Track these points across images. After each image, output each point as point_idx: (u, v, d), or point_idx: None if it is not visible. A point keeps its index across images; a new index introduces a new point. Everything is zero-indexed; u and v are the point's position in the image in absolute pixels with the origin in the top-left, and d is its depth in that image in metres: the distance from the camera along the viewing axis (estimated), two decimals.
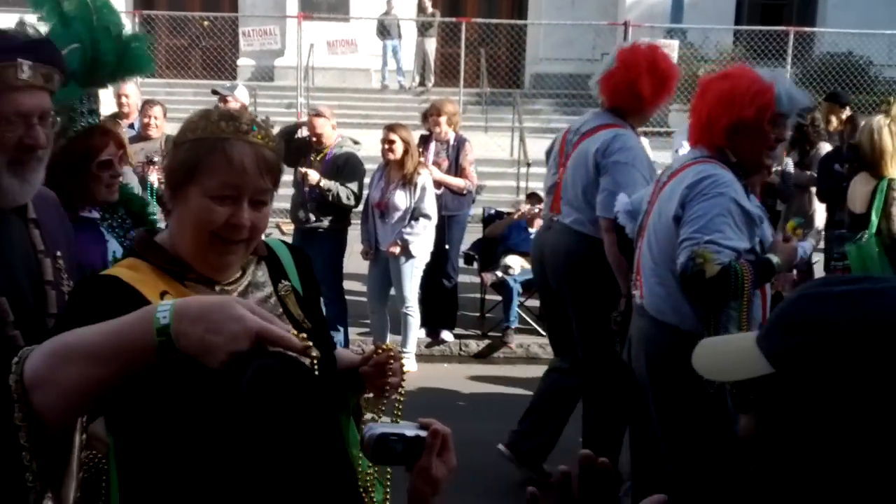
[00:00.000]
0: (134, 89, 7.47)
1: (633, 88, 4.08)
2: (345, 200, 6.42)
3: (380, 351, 1.98)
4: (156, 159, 6.34)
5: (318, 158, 6.58)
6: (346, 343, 6.81)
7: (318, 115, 6.69)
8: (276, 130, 7.41)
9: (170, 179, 1.70)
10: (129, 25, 15.80)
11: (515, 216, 7.53)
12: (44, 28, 2.68)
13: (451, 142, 7.09)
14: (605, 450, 4.32)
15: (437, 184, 6.80)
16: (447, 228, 6.88)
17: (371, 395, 2.03)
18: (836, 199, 6.71)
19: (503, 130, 14.78)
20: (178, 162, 1.66)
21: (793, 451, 1.12)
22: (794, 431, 1.12)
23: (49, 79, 1.87)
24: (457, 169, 7.03)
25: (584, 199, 4.17)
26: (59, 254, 2.01)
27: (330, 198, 6.38)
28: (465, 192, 7.11)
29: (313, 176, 6.40)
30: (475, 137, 8.13)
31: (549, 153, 4.72)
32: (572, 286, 4.32)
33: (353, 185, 6.48)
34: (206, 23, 19.30)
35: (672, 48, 14.03)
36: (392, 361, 1.96)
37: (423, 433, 1.48)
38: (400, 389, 1.96)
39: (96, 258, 2.80)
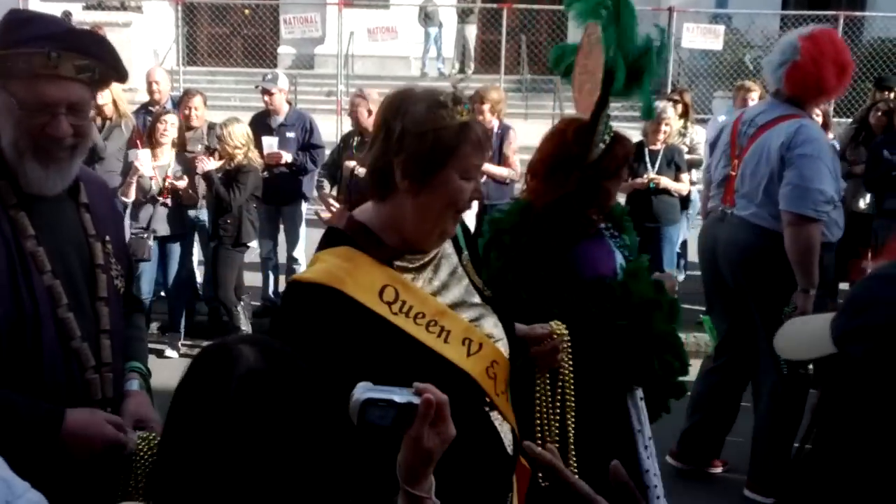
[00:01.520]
0: (164, 76, 7.53)
1: (819, 80, 3.98)
2: None
3: (555, 335, 2.18)
4: (210, 146, 6.43)
5: (355, 144, 6.57)
6: None
7: (360, 95, 6.68)
8: (317, 117, 7.45)
9: (414, 168, 1.73)
10: (171, 13, 16.03)
11: None
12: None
13: (495, 129, 7.02)
14: (776, 443, 4.28)
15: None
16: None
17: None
18: (884, 188, 6.56)
19: (543, 118, 14.62)
20: (427, 150, 1.71)
21: (848, 430, 1.09)
22: (850, 412, 1.09)
23: (84, 70, 1.82)
24: (500, 157, 6.96)
25: (765, 194, 4.09)
26: (108, 238, 2.02)
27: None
28: (508, 181, 7.05)
29: (350, 164, 6.41)
30: (515, 124, 8.04)
31: (714, 143, 4.65)
32: (752, 281, 4.22)
33: None
34: (247, 11, 19.42)
35: (717, 34, 13.79)
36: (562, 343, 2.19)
37: (415, 399, 1.34)
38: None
39: (609, 270, 2.84)
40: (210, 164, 6.17)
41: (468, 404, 1.76)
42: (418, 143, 1.71)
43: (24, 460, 1.64)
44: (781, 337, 1.24)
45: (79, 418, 1.81)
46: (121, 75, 1.95)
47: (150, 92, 7.41)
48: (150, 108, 7.30)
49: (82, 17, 16.40)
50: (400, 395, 1.35)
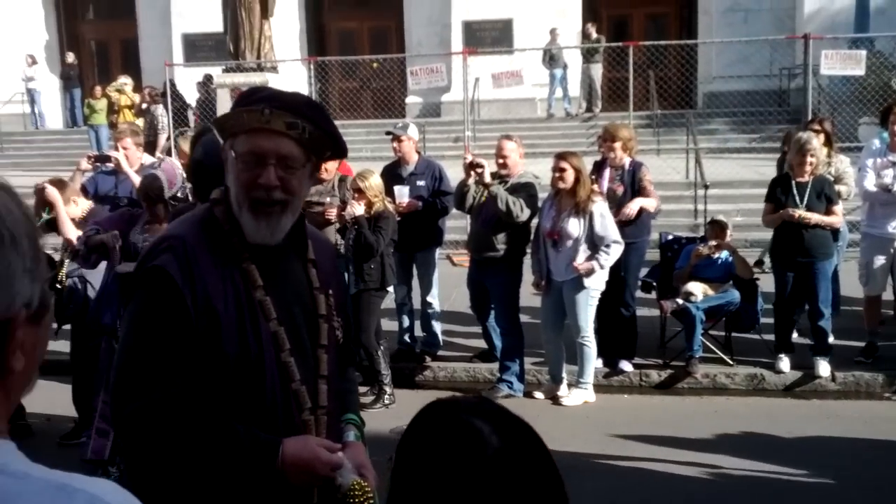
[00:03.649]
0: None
1: None
2: (513, 207, 6.28)
3: None
4: (342, 198, 6.50)
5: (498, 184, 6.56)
6: (522, 375, 6.68)
7: (508, 138, 6.70)
8: (445, 164, 7.50)
9: None
10: (304, 72, 16.67)
11: (694, 258, 7.04)
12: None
13: (627, 167, 6.86)
14: None
15: (617, 210, 6.59)
16: (625, 255, 6.61)
17: None
18: None
19: (677, 153, 14.29)
20: None
21: None
22: None
23: (293, 127, 1.97)
24: (633, 194, 6.78)
25: None
26: (330, 292, 2.18)
27: (499, 203, 6.27)
28: (655, 210, 6.86)
29: (482, 161, 6.47)
30: (647, 161, 7.85)
31: None
32: None
33: (525, 202, 6.37)
34: (375, 65, 19.97)
35: (859, 59, 13.13)
36: None
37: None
38: None
39: None
40: (359, 208, 6.27)
41: None
42: None
43: (245, 489, 1.92)
44: None
45: (294, 445, 1.93)
46: (336, 145, 2.10)
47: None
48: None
49: (222, 80, 17.28)
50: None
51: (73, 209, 5.76)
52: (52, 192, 5.50)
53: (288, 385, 2.00)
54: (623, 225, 6.59)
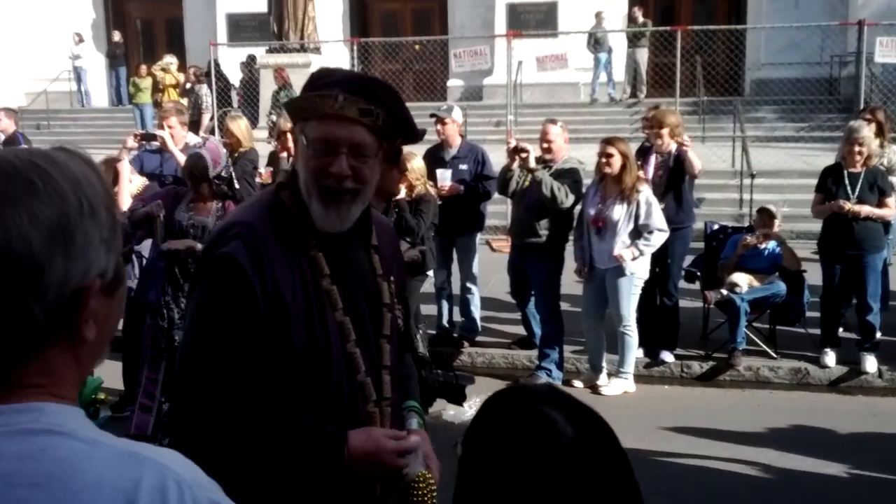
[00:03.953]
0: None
1: None
2: (557, 192, 6.22)
3: None
4: None
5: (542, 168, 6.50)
6: (561, 362, 6.64)
7: (553, 122, 6.63)
8: (486, 147, 7.44)
9: None
10: (346, 53, 16.67)
11: (741, 248, 6.91)
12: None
13: (673, 153, 6.74)
14: None
15: (662, 195, 6.48)
16: (669, 243, 6.52)
17: None
18: None
19: (723, 140, 14.05)
20: None
21: None
22: None
23: (366, 114, 1.89)
24: (676, 177, 6.66)
25: None
26: (392, 279, 2.13)
27: (543, 189, 6.22)
28: (698, 172, 6.73)
29: (527, 146, 6.40)
30: (693, 147, 7.68)
31: None
32: None
33: (570, 188, 6.30)
34: (417, 47, 19.91)
35: None
36: None
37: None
38: None
39: None
40: (399, 192, 6.24)
41: None
42: None
43: (311, 482, 1.90)
44: None
45: (358, 437, 1.88)
46: (408, 129, 2.01)
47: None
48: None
49: (266, 60, 17.36)
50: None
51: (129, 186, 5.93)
52: (124, 164, 5.62)
53: (354, 376, 1.96)
54: (670, 188, 6.47)
